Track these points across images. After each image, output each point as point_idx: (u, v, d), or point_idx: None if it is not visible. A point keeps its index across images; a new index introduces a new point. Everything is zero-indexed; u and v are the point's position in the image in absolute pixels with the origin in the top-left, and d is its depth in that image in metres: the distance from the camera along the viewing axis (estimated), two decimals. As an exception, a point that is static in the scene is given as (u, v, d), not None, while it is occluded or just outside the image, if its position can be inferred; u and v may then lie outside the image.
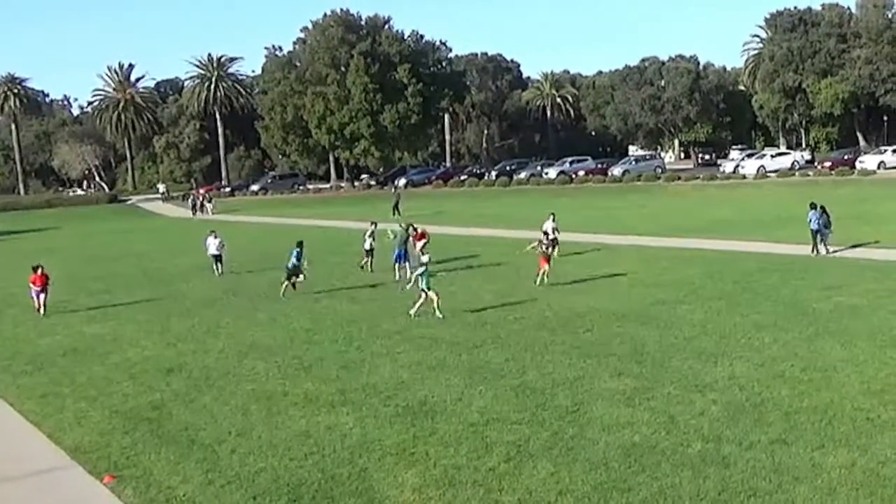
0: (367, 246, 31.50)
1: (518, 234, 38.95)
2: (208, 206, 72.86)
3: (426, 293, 21.74)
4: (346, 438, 13.52)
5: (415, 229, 31.89)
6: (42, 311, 25.88)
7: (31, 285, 26.18)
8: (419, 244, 30.26)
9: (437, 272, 23.26)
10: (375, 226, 32.51)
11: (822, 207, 29.53)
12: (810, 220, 29.57)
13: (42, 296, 26.06)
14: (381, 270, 29.89)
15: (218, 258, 32.73)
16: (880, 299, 21.20)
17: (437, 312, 21.51)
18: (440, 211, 60.30)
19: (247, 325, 22.99)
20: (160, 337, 22.08)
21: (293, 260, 26.75)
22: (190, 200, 75.03)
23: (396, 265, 28.87)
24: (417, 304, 21.92)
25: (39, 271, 26.12)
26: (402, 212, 57.30)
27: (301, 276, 26.90)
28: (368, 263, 31.19)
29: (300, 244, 27.50)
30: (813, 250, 29.52)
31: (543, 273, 25.67)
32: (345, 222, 55.52)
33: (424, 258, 22.44)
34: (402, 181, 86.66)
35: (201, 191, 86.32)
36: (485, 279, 28.37)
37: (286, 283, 26.53)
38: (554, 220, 31.70)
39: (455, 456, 12.46)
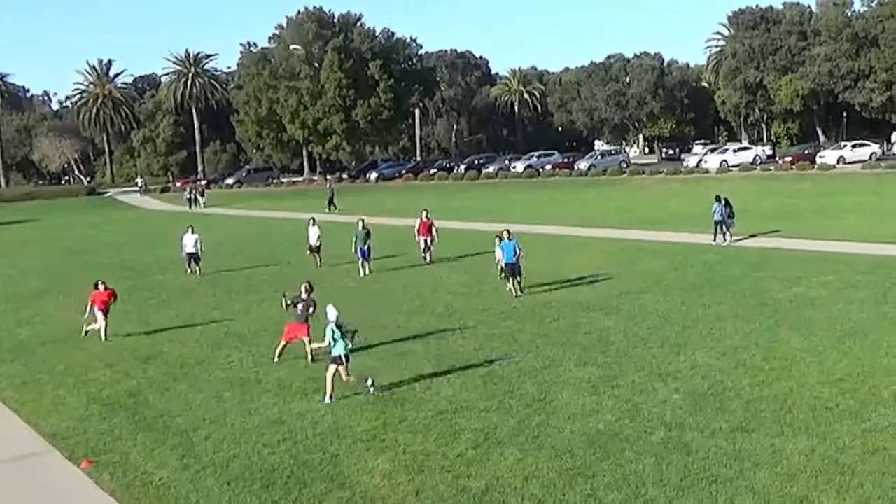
0: (312, 242, 30.81)
1: (486, 227, 39.12)
2: (201, 199, 71.92)
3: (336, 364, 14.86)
4: (318, 425, 13.66)
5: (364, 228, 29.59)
6: (104, 335, 20.61)
7: (92, 304, 20.90)
8: (423, 237, 30.35)
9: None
10: (313, 221, 31.47)
11: (725, 200, 31.33)
12: (714, 212, 31.31)
13: (105, 318, 20.73)
14: (350, 262, 29.91)
15: (194, 257, 30.75)
16: (839, 291, 21.58)
17: (327, 397, 14.85)
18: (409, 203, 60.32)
19: (222, 315, 23.14)
20: (137, 326, 22.18)
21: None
22: (186, 194, 73.89)
23: (360, 262, 28.60)
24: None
25: (102, 287, 21.09)
26: (337, 206, 57.81)
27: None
28: (317, 258, 30.69)
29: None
30: (714, 239, 31.28)
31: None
32: (318, 215, 55.50)
33: (332, 314, 14.90)
34: (335, 176, 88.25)
35: (200, 183, 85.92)
36: (452, 270, 28.55)
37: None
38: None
39: (424, 442, 12.62)
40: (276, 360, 17.44)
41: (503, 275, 23.52)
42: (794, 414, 12.87)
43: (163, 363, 18.19)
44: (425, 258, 30.27)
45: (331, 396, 14.65)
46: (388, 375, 16.04)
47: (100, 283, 21.22)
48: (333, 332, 14.66)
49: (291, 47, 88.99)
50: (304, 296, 17.41)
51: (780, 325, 18.28)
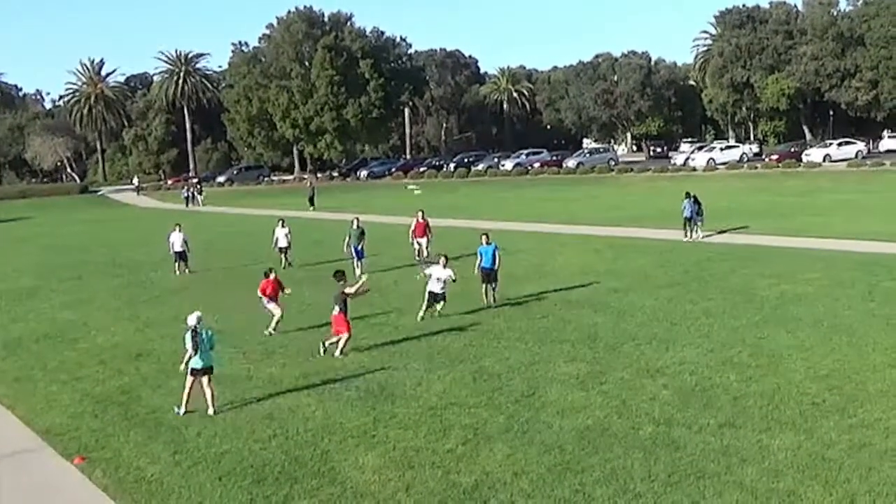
0: (282, 243, 30.22)
1: (475, 225, 39.16)
2: (199, 197, 71.59)
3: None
4: (309, 421, 13.70)
5: (359, 227, 28.82)
6: (273, 328, 19.80)
7: (261, 295, 20.07)
8: (418, 240, 29.48)
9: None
10: (283, 222, 30.86)
11: (694, 197, 32.10)
12: (684, 209, 32.11)
13: (275, 306, 19.90)
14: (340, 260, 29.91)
15: (181, 255, 30.58)
16: (825, 288, 21.75)
17: (210, 409, 14.29)
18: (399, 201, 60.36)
19: (213, 312, 22.99)
20: (129, 323, 22.26)
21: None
22: (183, 192, 73.56)
23: (353, 261, 27.82)
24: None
25: (273, 275, 20.18)
26: (317, 204, 58.10)
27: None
28: (284, 260, 30.12)
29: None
30: (685, 236, 31.90)
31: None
32: (309, 213, 56.18)
33: (192, 319, 14.34)
34: (317, 174, 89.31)
35: (197, 181, 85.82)
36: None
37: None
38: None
39: (414, 438, 12.67)
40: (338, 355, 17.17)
41: (480, 280, 22.01)
42: (781, 410, 12.96)
43: (155, 360, 18.19)
44: (420, 259, 28.91)
45: (181, 407, 14.16)
46: (379, 372, 16.11)
47: (270, 271, 20.26)
48: (192, 339, 14.00)
49: None
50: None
51: (767, 322, 18.41)
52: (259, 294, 20.01)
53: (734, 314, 19.31)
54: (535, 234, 35.48)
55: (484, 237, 22.35)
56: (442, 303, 20.26)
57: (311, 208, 57.57)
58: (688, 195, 32.34)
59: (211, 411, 14.11)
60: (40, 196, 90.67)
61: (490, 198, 60.74)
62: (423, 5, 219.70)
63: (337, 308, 17.35)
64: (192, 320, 14.23)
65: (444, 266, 20.11)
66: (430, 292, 20.05)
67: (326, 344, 17.44)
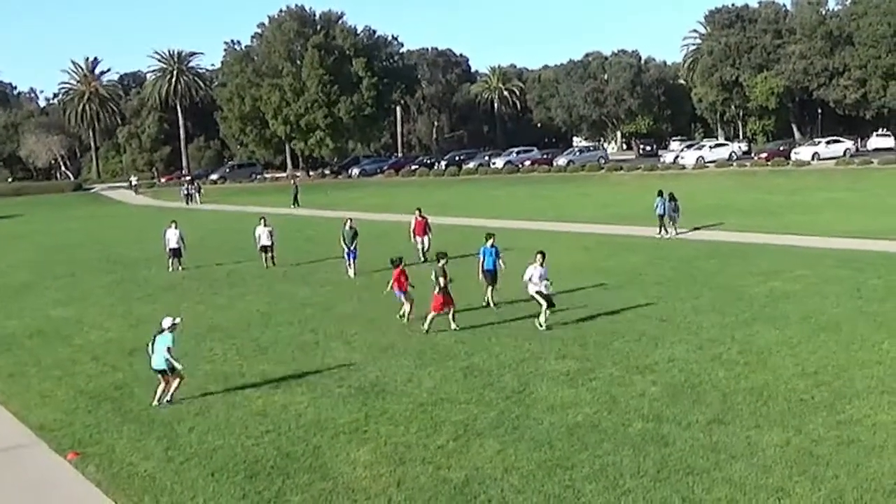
0: (264, 242, 29.87)
1: (466, 222, 39.33)
2: (197, 195, 71.33)
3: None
4: (301, 417, 13.75)
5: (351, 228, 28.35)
6: (408, 317, 19.64)
7: (395, 285, 19.74)
8: (419, 239, 29.27)
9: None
10: (264, 221, 30.57)
11: (670, 195, 32.96)
12: (657, 206, 32.92)
13: (405, 297, 19.63)
14: (337, 258, 29.94)
15: (176, 252, 30.62)
16: (813, 285, 21.87)
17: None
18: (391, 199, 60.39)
19: (206, 308, 23.29)
20: (123, 320, 22.35)
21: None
22: (183, 190, 73.21)
23: (347, 261, 27.51)
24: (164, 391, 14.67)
25: (402, 264, 19.93)
26: (300, 202, 58.74)
27: None
28: (267, 259, 29.81)
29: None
30: (659, 232, 32.66)
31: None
32: (300, 210, 56.61)
33: (165, 322, 14.59)
34: (309, 172, 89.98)
35: (187, 178, 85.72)
36: (431, 264, 28.47)
37: None
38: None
39: (405, 434, 12.71)
40: (424, 329, 18.35)
41: (483, 281, 21.44)
42: (770, 406, 13.02)
43: (148, 356, 18.11)
44: (422, 258, 28.61)
45: (160, 400, 14.53)
46: (370, 369, 16.16)
47: (399, 260, 19.97)
48: (159, 342, 14.36)
49: None
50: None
51: (755, 319, 18.50)
52: (391, 283, 19.77)
53: (723, 311, 19.39)
54: (525, 231, 35.52)
55: (490, 238, 21.59)
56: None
57: (295, 205, 58.24)
58: (660, 193, 33.18)
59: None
60: (34, 193, 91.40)
61: (481, 196, 60.80)
62: (414, 4, 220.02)
63: (437, 287, 18.21)
64: (165, 323, 14.54)
65: (542, 264, 18.69)
66: (537, 293, 18.54)
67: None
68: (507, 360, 16.28)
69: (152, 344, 14.57)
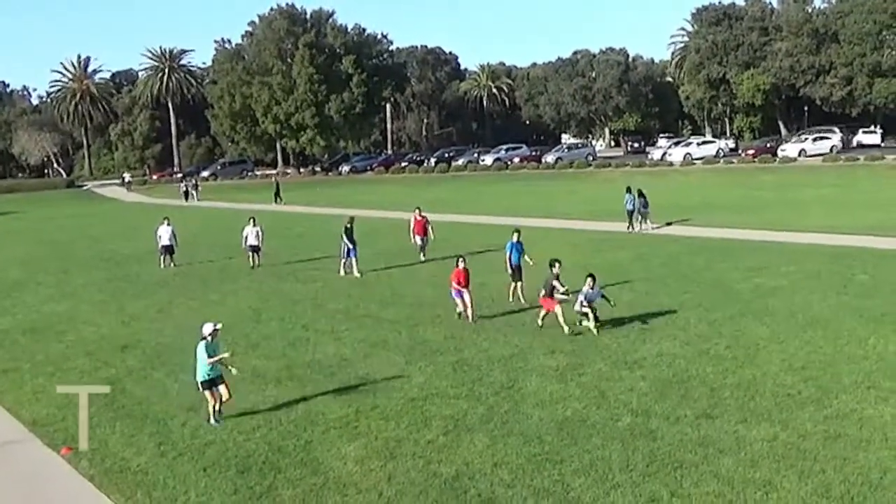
0: (252, 241, 29.43)
1: (455, 219, 39.34)
2: (195, 193, 70.99)
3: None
4: (292, 412, 13.80)
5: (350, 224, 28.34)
6: (470, 318, 19.07)
7: (453, 284, 19.22)
8: (419, 238, 29.14)
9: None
10: (254, 221, 29.94)
11: (639, 191, 33.96)
12: (626, 203, 33.89)
13: (467, 297, 19.04)
14: (329, 257, 29.93)
15: (168, 249, 30.54)
16: (799, 281, 22.01)
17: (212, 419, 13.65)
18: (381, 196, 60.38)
19: (198, 304, 23.30)
20: (115, 316, 22.35)
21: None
22: (181, 187, 72.74)
23: (344, 260, 27.04)
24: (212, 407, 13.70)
25: (462, 264, 19.23)
26: (282, 198, 59.38)
27: None
28: (252, 259, 29.38)
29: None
30: (628, 227, 33.63)
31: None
32: (291, 207, 56.80)
33: (206, 329, 13.57)
34: (290, 169, 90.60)
35: (186, 174, 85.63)
36: (431, 264, 28.49)
37: None
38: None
39: (396, 429, 12.77)
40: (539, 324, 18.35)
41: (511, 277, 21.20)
42: (758, 401, 13.12)
43: (140, 352, 18.29)
44: (422, 257, 28.78)
45: (213, 419, 13.42)
46: (360, 364, 16.21)
47: (461, 259, 19.43)
48: (202, 351, 13.15)
49: None
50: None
51: (743, 315, 18.61)
52: (452, 282, 19.26)
53: (711, 307, 19.51)
54: (513, 228, 35.53)
55: (516, 233, 21.57)
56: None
57: (277, 201, 58.87)
58: (629, 190, 34.30)
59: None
60: (27, 191, 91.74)
61: (470, 192, 60.83)
62: (404, 3, 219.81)
63: (543, 291, 18.13)
64: (206, 330, 13.32)
65: (592, 287, 18.18)
66: (582, 313, 18.05)
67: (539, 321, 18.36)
68: (497, 355, 16.35)
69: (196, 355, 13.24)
